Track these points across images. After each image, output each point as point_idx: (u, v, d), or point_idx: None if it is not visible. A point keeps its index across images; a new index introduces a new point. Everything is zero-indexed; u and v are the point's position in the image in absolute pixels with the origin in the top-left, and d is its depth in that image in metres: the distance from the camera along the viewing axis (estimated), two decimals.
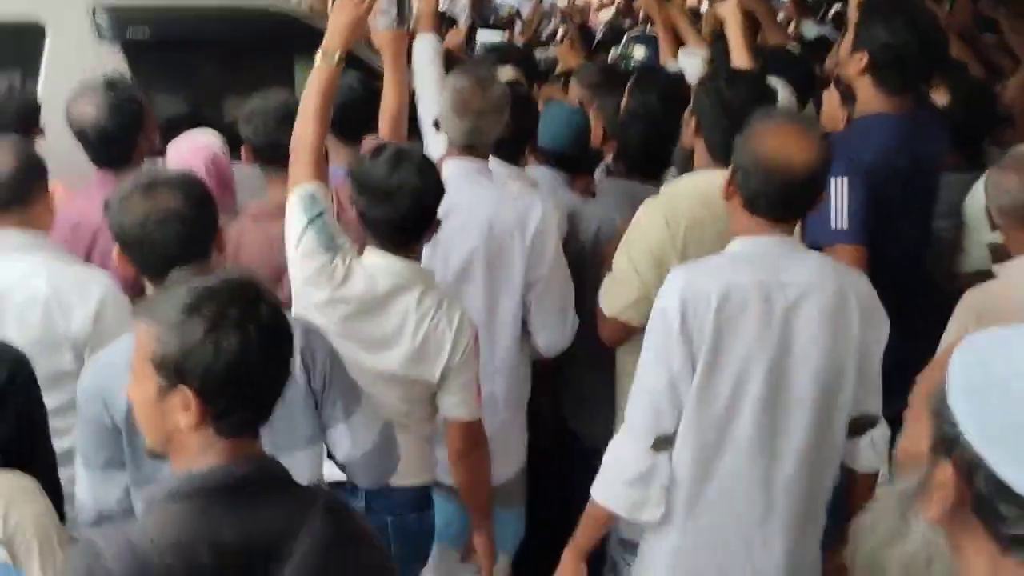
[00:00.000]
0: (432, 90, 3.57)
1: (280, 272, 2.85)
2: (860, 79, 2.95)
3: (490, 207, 3.01)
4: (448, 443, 2.72)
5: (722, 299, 2.25)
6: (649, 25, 5.98)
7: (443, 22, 6.06)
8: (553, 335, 3.11)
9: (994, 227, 2.79)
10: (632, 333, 2.85)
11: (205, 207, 2.32)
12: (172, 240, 2.21)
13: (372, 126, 3.37)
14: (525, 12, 7.75)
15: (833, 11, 7.32)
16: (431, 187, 2.58)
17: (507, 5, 8.10)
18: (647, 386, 2.36)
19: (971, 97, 3.65)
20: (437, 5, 3.83)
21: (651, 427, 2.34)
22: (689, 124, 2.97)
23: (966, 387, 1.09)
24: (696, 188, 2.85)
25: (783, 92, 3.41)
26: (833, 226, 2.80)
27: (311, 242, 2.56)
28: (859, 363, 2.34)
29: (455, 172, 3.00)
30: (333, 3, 2.84)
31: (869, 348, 2.35)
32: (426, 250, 2.84)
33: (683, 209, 2.81)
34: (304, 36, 4.72)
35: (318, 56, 2.77)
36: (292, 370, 1.83)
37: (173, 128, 3.84)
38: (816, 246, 2.63)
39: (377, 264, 2.58)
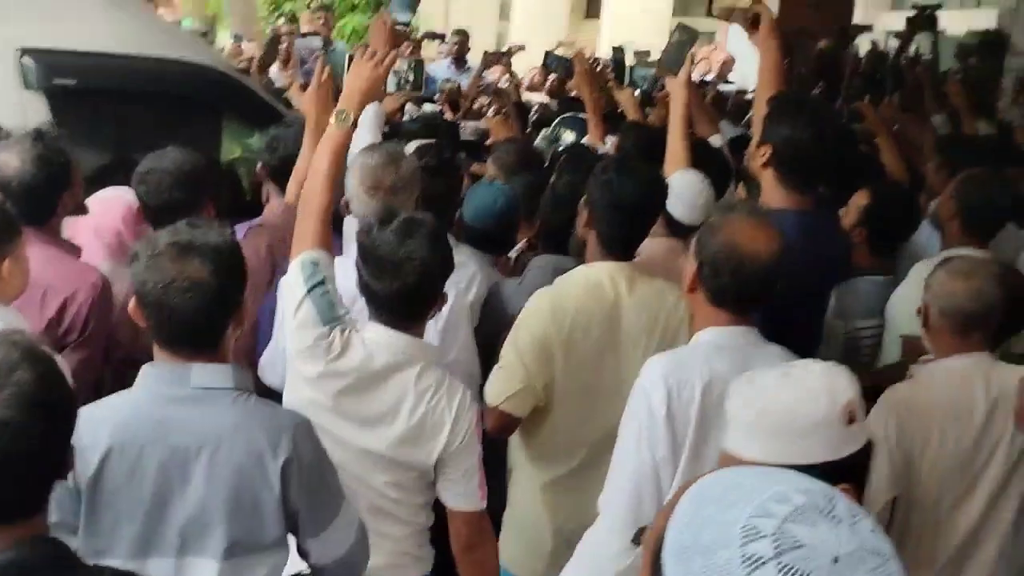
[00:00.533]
0: None
1: None
2: (764, 172, 3.06)
3: None
4: (452, 536, 2.58)
5: (706, 388, 2.30)
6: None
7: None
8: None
9: (926, 323, 2.85)
10: (515, 424, 2.81)
11: (235, 280, 2.16)
12: (190, 312, 2.07)
13: None
14: (465, 86, 7.94)
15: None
16: (441, 261, 2.48)
17: (446, 79, 8.22)
18: (629, 473, 2.33)
19: (891, 202, 3.75)
20: (385, 77, 3.88)
21: (633, 517, 2.30)
22: (582, 215, 2.98)
23: (676, 548, 1.08)
24: (587, 278, 2.86)
25: (700, 181, 3.47)
26: None
27: (309, 312, 2.48)
28: None
29: None
30: (348, 66, 2.88)
31: None
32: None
33: (571, 299, 2.82)
34: (232, 92, 4.72)
35: (332, 118, 2.74)
36: (266, 476, 1.77)
37: (97, 179, 3.76)
38: None
39: (377, 338, 2.49)
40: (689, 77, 3.73)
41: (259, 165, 3.84)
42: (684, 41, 3.76)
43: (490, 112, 6.08)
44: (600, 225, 2.92)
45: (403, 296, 2.45)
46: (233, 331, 2.17)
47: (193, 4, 18.67)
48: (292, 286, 2.55)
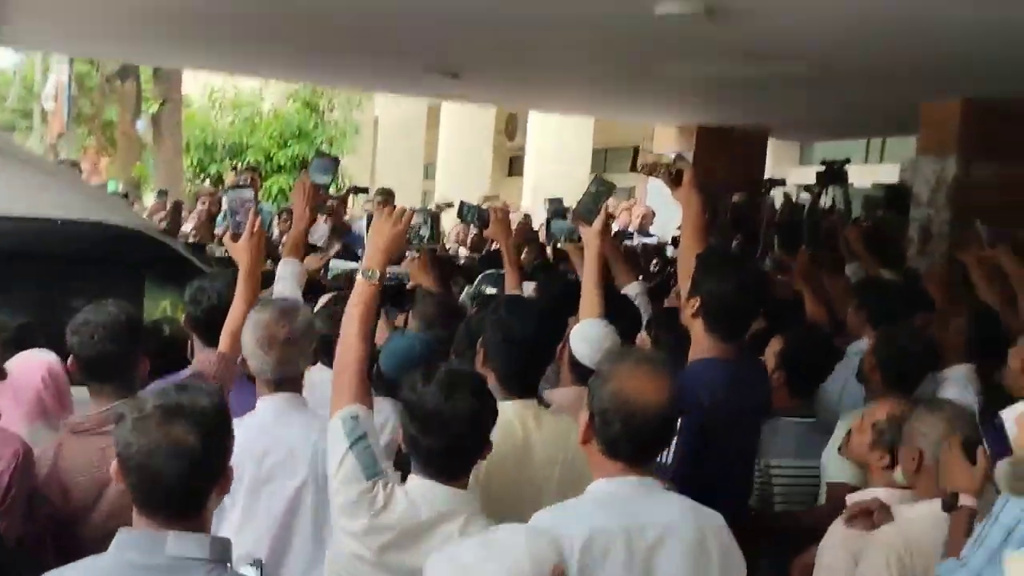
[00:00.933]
0: None
1: (102, 486, 2.77)
2: (694, 323, 3.15)
3: (312, 437, 2.94)
4: None
5: (585, 544, 2.23)
6: None
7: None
8: None
9: (918, 468, 2.87)
10: None
11: (221, 445, 2.08)
12: (173, 478, 1.98)
13: None
14: None
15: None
16: (486, 413, 2.49)
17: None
18: None
19: (808, 347, 3.88)
20: (305, 234, 3.97)
21: None
22: (479, 354, 3.04)
23: None
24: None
25: (604, 327, 3.54)
26: (659, 460, 2.85)
27: (352, 467, 2.48)
28: None
29: (268, 411, 3.01)
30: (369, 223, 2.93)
31: None
32: (248, 497, 2.82)
33: None
34: (154, 252, 4.73)
35: (358, 277, 2.79)
36: None
37: (16, 342, 3.69)
38: None
39: (420, 490, 2.47)
40: (605, 227, 3.79)
41: (183, 317, 3.83)
42: (600, 192, 3.83)
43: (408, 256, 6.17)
44: (494, 363, 2.98)
45: (451, 451, 2.45)
46: (217, 496, 2.09)
47: (119, 167, 18.84)
48: (334, 442, 2.55)
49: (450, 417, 2.41)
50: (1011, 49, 6.04)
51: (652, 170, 3.73)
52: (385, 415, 3.33)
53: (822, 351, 3.93)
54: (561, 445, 2.89)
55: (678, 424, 2.78)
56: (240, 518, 2.94)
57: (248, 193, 3.69)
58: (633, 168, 4.48)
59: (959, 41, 6.01)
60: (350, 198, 10.41)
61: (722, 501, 2.79)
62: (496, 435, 2.73)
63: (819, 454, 3.55)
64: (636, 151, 4.64)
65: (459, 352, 3.58)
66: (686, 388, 2.73)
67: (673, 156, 3.81)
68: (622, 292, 4.28)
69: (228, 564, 2.04)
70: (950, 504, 2.66)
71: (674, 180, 3.58)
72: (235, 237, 3.52)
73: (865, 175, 15.91)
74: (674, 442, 2.79)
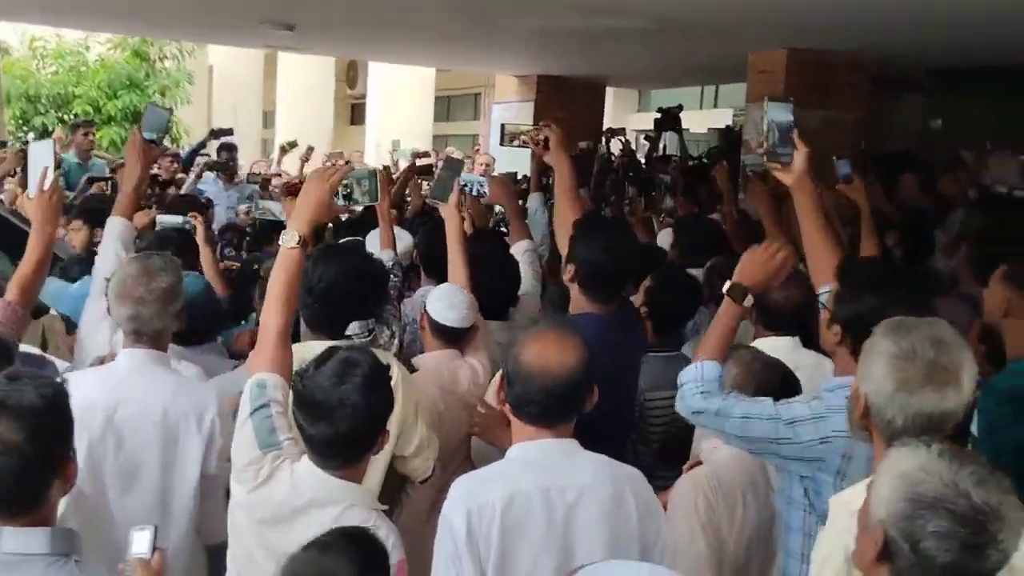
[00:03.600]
0: (107, 269, 3.46)
1: None
2: (572, 286, 3.26)
3: (164, 397, 2.92)
4: None
5: (506, 507, 2.27)
6: None
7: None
8: (216, 525, 2.87)
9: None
10: None
11: (55, 439, 1.97)
12: (2, 477, 1.89)
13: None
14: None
15: None
16: (377, 405, 2.37)
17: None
18: None
19: (669, 287, 3.98)
20: (136, 192, 3.82)
21: None
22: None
23: None
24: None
25: (459, 290, 3.65)
26: None
27: (247, 435, 2.42)
28: (641, 554, 2.39)
29: (126, 363, 2.96)
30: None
31: (648, 539, 2.42)
32: (96, 443, 2.74)
33: None
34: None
35: (283, 238, 2.67)
36: None
37: None
38: None
39: (305, 473, 2.39)
40: (459, 202, 3.99)
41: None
42: (450, 173, 4.11)
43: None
44: (303, 309, 3.00)
45: (337, 442, 2.35)
46: (60, 489, 2.01)
47: None
48: (242, 404, 2.50)
49: (335, 408, 2.31)
50: (830, 3, 6.34)
51: (517, 139, 3.87)
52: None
53: (683, 291, 4.04)
54: None
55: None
56: (85, 467, 2.86)
57: (43, 147, 3.52)
58: (502, 142, 4.57)
59: None
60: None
61: (607, 438, 2.85)
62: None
63: None
64: (502, 128, 4.75)
65: None
66: None
67: (540, 125, 3.93)
68: (510, 251, 4.39)
69: (72, 556, 1.98)
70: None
71: (544, 147, 3.81)
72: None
73: (701, 121, 16.42)
74: None
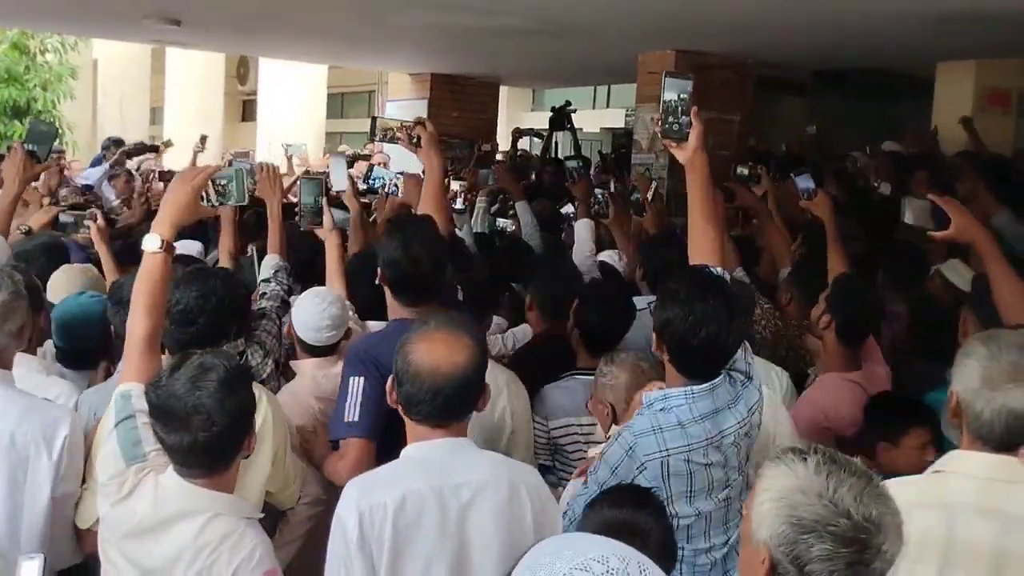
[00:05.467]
0: None
1: None
2: (386, 289, 3.25)
3: (11, 419, 2.76)
4: None
5: (398, 508, 2.26)
6: None
7: None
8: (62, 549, 2.82)
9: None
10: None
11: None
12: None
13: None
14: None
15: None
16: (235, 410, 2.28)
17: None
18: None
19: (599, 307, 3.83)
20: (12, 207, 3.72)
21: None
22: None
23: None
24: None
25: (323, 303, 3.60)
26: (346, 419, 3.00)
27: (112, 448, 2.34)
28: None
29: None
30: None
31: (544, 536, 2.37)
32: None
33: None
34: None
35: (144, 243, 2.58)
36: None
37: None
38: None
39: (169, 484, 2.31)
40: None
41: None
42: (309, 194, 4.16)
43: None
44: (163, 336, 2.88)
45: (195, 450, 2.26)
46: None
47: None
48: (107, 417, 2.44)
49: (190, 415, 2.25)
50: (712, 5, 6.48)
51: (390, 136, 3.87)
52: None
53: (612, 310, 3.86)
54: None
55: (353, 384, 2.96)
56: None
57: None
58: (372, 137, 4.53)
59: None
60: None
61: None
62: None
63: None
64: (374, 121, 4.71)
65: None
66: (359, 351, 3.00)
67: (413, 120, 3.90)
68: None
69: None
70: None
71: (417, 144, 3.83)
72: None
73: (594, 120, 16.60)
74: (357, 401, 2.98)
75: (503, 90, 13.35)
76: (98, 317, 3.55)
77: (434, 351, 2.34)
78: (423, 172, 4.05)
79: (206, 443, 2.25)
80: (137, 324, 2.55)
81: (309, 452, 3.22)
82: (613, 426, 3.03)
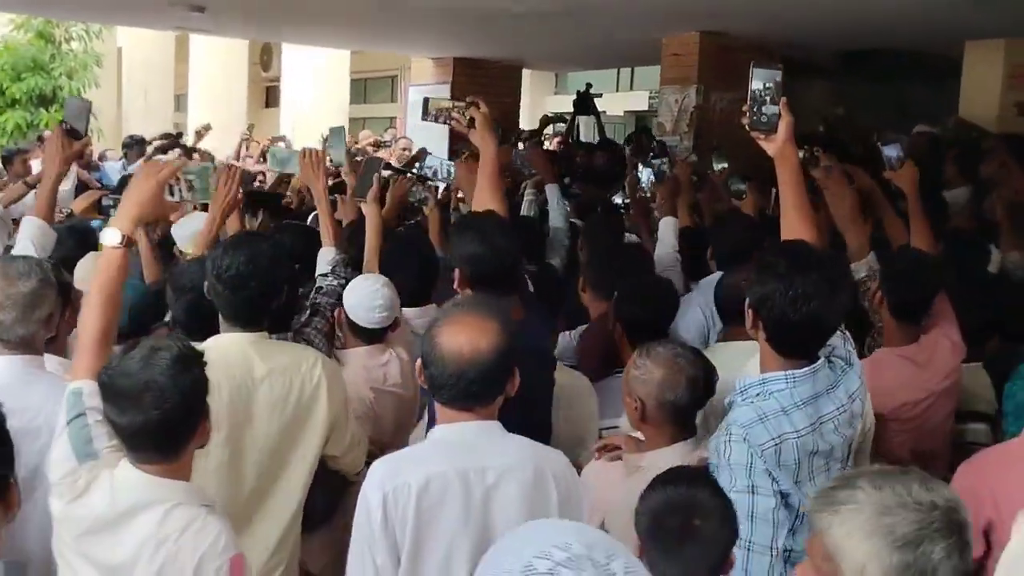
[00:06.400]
0: None
1: None
2: (463, 292, 3.06)
3: (52, 402, 2.72)
4: None
5: (422, 489, 2.26)
6: None
7: None
8: None
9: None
10: None
11: None
12: None
13: None
14: None
15: None
16: (188, 386, 2.23)
17: None
18: None
19: (640, 299, 3.71)
20: (54, 190, 3.73)
21: None
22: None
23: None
24: (217, 351, 2.82)
25: (378, 286, 3.59)
26: None
27: (64, 446, 2.31)
28: None
29: (3, 372, 2.81)
30: None
31: None
32: None
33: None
34: None
35: (104, 236, 2.55)
36: None
37: None
38: None
39: (123, 476, 2.27)
40: (376, 196, 4.34)
41: None
42: (370, 169, 4.48)
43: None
44: (216, 299, 2.90)
45: (148, 430, 2.21)
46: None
47: None
48: (60, 415, 2.39)
49: (141, 394, 2.19)
50: None
51: (443, 117, 3.80)
52: None
53: (654, 300, 3.72)
54: (286, 382, 2.88)
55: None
56: None
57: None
58: (424, 117, 4.48)
59: None
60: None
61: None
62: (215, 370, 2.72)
63: None
64: (426, 102, 4.62)
65: None
66: None
67: (466, 101, 3.75)
68: None
69: None
70: None
71: (469, 124, 3.63)
72: None
73: (618, 103, 16.53)
74: None
75: (526, 74, 13.32)
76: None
77: (459, 336, 2.33)
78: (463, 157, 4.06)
79: (159, 422, 2.20)
80: (91, 320, 2.50)
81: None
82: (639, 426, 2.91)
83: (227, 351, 2.82)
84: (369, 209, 4.28)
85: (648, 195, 6.38)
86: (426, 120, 4.06)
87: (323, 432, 2.91)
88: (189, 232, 4.63)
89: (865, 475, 1.75)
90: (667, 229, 5.25)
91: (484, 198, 3.41)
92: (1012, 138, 6.70)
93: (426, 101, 4.02)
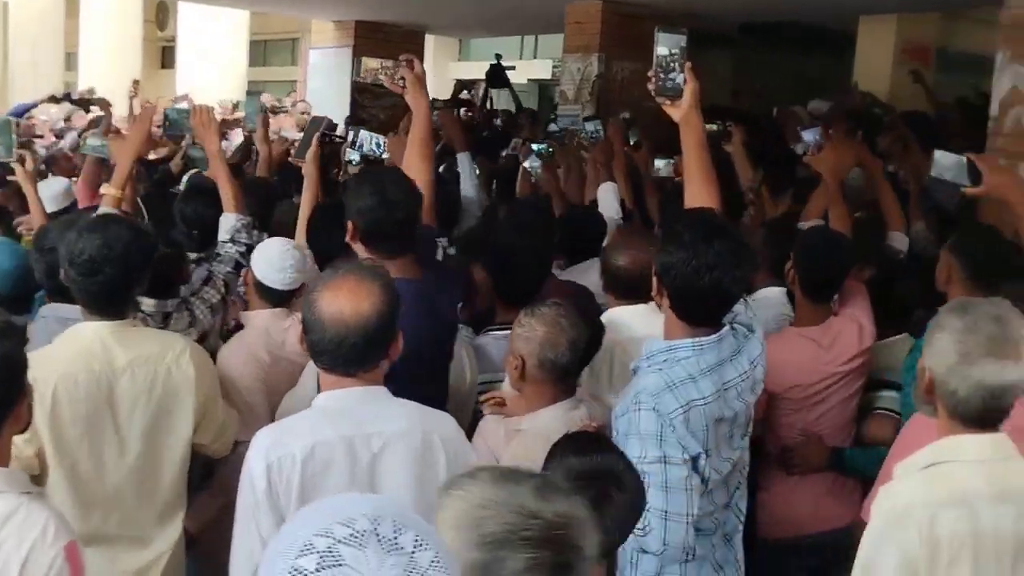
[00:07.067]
0: None
1: None
2: (355, 244, 3.00)
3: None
4: None
5: (307, 458, 2.21)
6: None
7: None
8: None
9: None
10: None
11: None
12: None
13: None
14: None
15: None
16: (1, 361, 1.99)
17: None
18: (246, 553, 2.23)
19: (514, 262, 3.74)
20: None
21: None
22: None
23: (266, 556, 1.21)
24: (73, 341, 2.82)
25: (285, 248, 3.55)
26: None
27: None
28: None
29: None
30: None
31: None
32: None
33: (54, 363, 2.75)
34: None
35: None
36: None
37: None
38: None
39: None
40: (316, 156, 4.25)
41: None
42: (312, 129, 4.41)
43: None
44: (71, 286, 2.78)
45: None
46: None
47: None
48: None
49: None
50: None
51: (373, 76, 3.68)
52: None
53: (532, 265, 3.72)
54: (150, 371, 2.81)
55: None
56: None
57: None
58: (356, 76, 4.49)
59: None
60: None
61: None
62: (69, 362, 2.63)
63: None
64: (358, 63, 4.43)
65: None
66: None
67: (399, 60, 3.53)
68: None
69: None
70: None
71: (402, 85, 3.46)
72: None
73: (521, 71, 16.50)
74: None
75: (429, 39, 13.20)
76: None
77: (337, 298, 2.25)
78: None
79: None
80: None
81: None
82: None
83: (85, 341, 2.73)
84: (307, 169, 4.18)
85: (534, 180, 6.33)
86: (358, 80, 4.03)
87: (192, 420, 2.85)
88: (50, 194, 4.64)
89: (493, 471, 1.56)
90: (607, 195, 5.16)
91: (413, 159, 3.33)
92: (912, 115, 6.89)
93: (358, 62, 3.94)
